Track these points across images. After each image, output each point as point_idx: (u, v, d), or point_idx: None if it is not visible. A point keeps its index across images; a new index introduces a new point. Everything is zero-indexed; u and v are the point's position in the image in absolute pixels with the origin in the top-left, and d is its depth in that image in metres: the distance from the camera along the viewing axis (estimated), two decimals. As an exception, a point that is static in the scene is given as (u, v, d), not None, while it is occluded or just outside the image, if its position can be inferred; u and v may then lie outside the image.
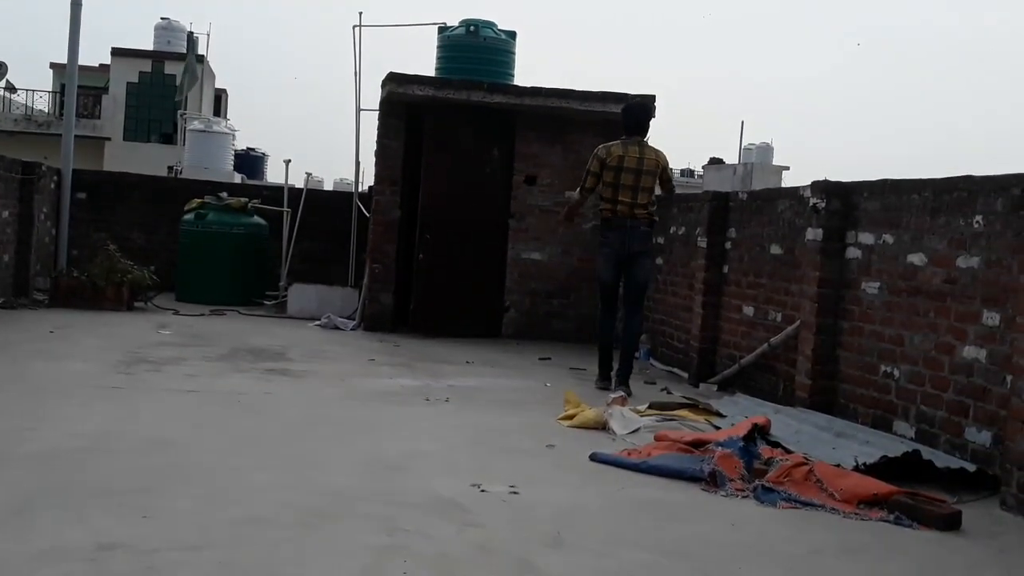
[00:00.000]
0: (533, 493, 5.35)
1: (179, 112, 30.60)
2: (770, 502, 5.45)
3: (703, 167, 43.51)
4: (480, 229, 12.32)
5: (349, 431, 6.66)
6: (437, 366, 9.74)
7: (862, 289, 7.41)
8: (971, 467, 5.92)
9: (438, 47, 12.94)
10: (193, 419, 6.69)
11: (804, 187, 8.23)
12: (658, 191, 9.23)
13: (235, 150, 31.36)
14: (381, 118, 12.41)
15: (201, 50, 34.91)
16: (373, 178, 12.71)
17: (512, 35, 13.05)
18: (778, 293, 8.67)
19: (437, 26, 13.23)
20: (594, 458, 6.23)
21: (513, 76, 12.87)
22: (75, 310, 12.11)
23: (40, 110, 40.34)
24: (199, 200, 14.47)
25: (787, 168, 39.45)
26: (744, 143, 44.97)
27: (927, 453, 6.10)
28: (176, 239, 14.54)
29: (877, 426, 6.99)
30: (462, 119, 12.18)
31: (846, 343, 7.57)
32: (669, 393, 8.78)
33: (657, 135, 9.27)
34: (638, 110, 9.20)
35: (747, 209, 9.47)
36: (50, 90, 41.37)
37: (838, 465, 5.87)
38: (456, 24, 12.98)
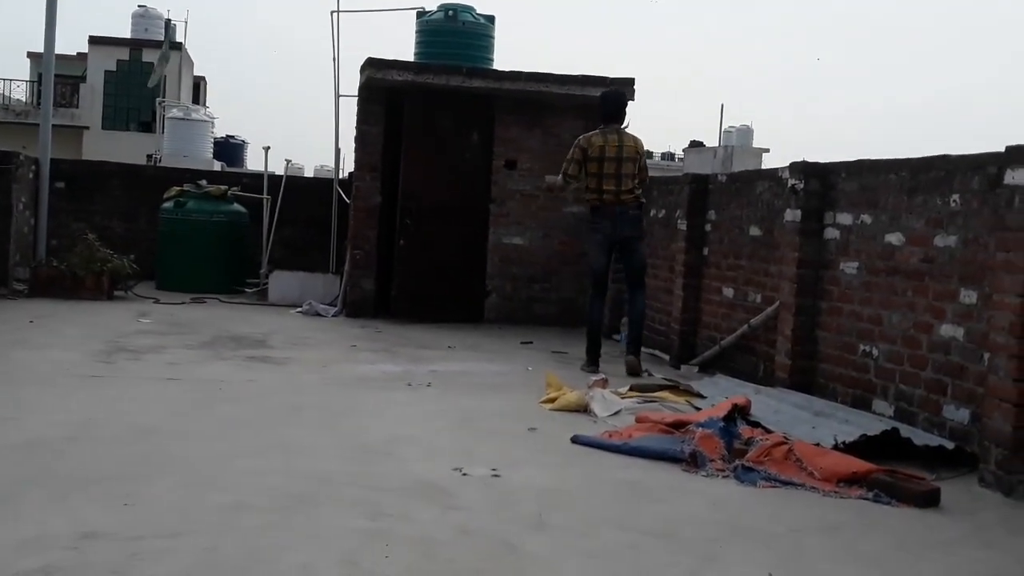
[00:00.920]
0: (515, 476, 5.37)
1: (158, 100, 30.48)
2: (750, 481, 5.48)
3: (683, 150, 43.49)
4: (461, 214, 12.32)
5: (331, 417, 6.67)
6: (419, 351, 9.75)
7: (840, 269, 7.45)
8: (949, 444, 5.97)
9: (417, 32, 12.92)
10: (175, 407, 6.69)
11: (783, 168, 8.26)
12: None
13: (214, 138, 31.27)
14: (360, 104, 12.38)
15: (179, 38, 34.77)
16: (353, 164, 12.68)
17: (491, 19, 13.04)
18: (758, 274, 8.71)
19: (416, 11, 13.21)
20: (576, 440, 6.26)
21: (492, 60, 12.87)
22: (55, 300, 12.05)
23: (18, 100, 40.09)
24: (178, 188, 14.41)
25: (767, 150, 39.43)
26: (724, 126, 44.99)
27: (906, 431, 6.15)
28: (156, 227, 14.48)
29: (856, 405, 7.03)
30: (441, 104, 12.16)
31: (825, 323, 7.62)
32: (650, 375, 8.81)
33: (638, 119, 9.34)
34: (614, 98, 9.35)
35: (727, 191, 9.50)
36: (27, 79, 41.13)
37: (817, 444, 5.91)
38: (435, 9, 12.97)
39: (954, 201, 6.28)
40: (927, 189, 6.56)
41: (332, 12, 13.76)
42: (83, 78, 39.25)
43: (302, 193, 15.25)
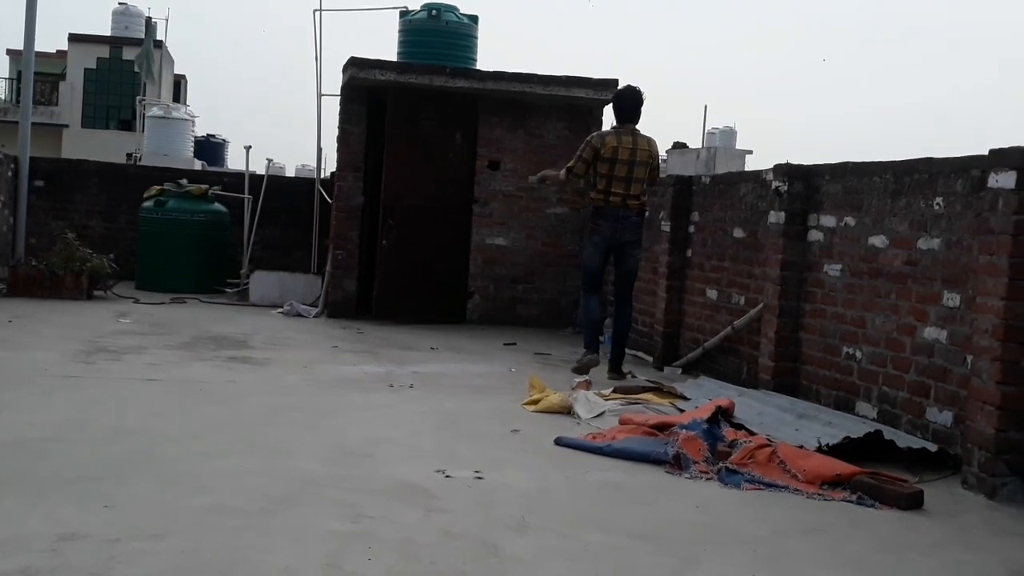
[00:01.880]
0: (498, 478, 5.35)
1: (138, 98, 30.31)
2: (734, 484, 5.47)
3: (667, 151, 43.55)
4: (444, 215, 12.28)
5: (313, 418, 6.63)
6: (401, 352, 9.71)
7: (824, 272, 7.46)
8: (932, 447, 5.97)
9: (400, 31, 12.88)
10: (155, 408, 6.64)
11: (766, 171, 8.26)
12: None
13: (195, 137, 31.09)
14: (343, 103, 12.34)
15: (160, 35, 34.58)
16: (335, 164, 12.64)
17: (474, 19, 13.00)
18: (741, 276, 8.71)
19: (399, 10, 13.18)
20: (559, 442, 6.24)
21: (476, 60, 12.84)
22: (34, 299, 11.96)
23: (-4, 97, 39.84)
24: (159, 187, 14.33)
25: (750, 152, 39.40)
26: (707, 127, 45.08)
27: (889, 433, 6.15)
28: (136, 227, 14.41)
29: (839, 407, 7.04)
30: (424, 104, 12.13)
31: (808, 325, 7.62)
32: (634, 377, 8.79)
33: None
34: (631, 97, 8.93)
35: (710, 193, 9.50)
36: (6, 77, 40.88)
37: (801, 446, 5.91)
38: (418, 8, 12.93)
39: (937, 204, 6.29)
40: (911, 192, 6.56)
41: (315, 11, 13.73)
42: (63, 76, 39.06)
43: (284, 193, 15.19)
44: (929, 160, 6.44)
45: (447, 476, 5.31)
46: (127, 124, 37.90)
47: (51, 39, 62.51)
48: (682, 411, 7.06)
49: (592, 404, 7.27)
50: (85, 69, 38.95)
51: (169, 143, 27.38)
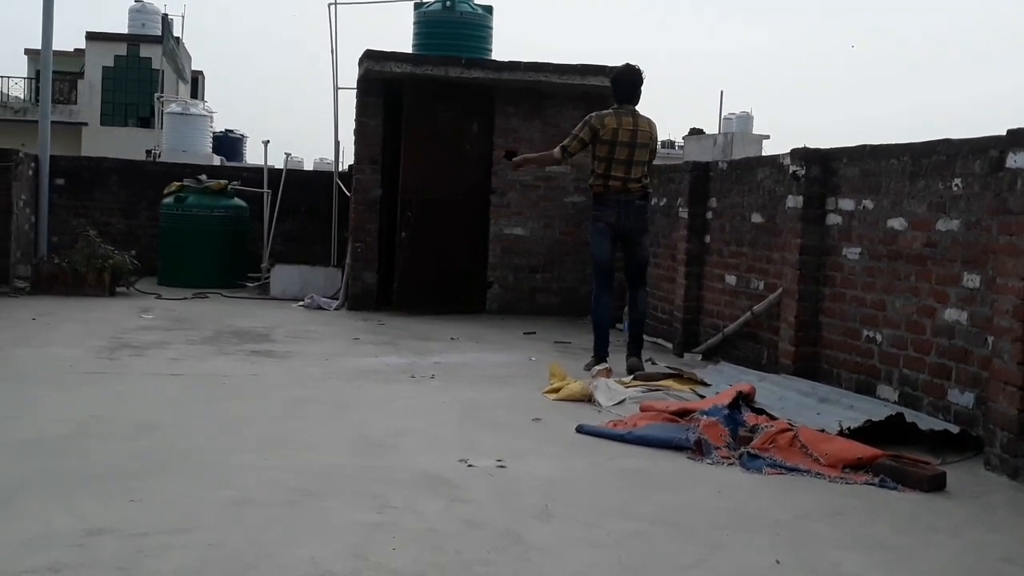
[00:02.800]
0: (520, 467, 5.37)
1: (156, 95, 30.42)
2: (756, 468, 5.48)
3: (683, 138, 43.42)
4: (461, 205, 12.30)
5: (336, 410, 6.66)
6: (422, 343, 9.74)
7: (843, 255, 7.44)
8: (955, 429, 5.97)
9: (415, 23, 12.89)
10: (179, 403, 6.69)
11: (784, 155, 8.24)
12: None
13: (213, 132, 31.22)
14: (359, 96, 12.36)
15: (177, 32, 34.69)
16: (353, 157, 12.66)
17: (489, 9, 12.99)
18: (760, 261, 8.69)
19: (414, 2, 13.17)
20: (580, 430, 6.26)
21: (491, 51, 12.83)
22: (57, 297, 12.05)
23: (16, 97, 40.04)
24: (178, 183, 14.39)
25: (767, 137, 39.35)
26: (724, 113, 44.89)
27: (911, 416, 6.14)
28: (156, 223, 14.48)
29: (860, 391, 7.03)
30: (441, 95, 12.13)
31: (828, 309, 7.61)
32: (654, 364, 8.79)
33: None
34: (630, 76, 8.64)
35: (728, 179, 9.48)
36: (25, 76, 41.05)
37: (822, 430, 5.91)
38: (432, 0, 12.93)
39: (956, 185, 6.27)
40: (929, 173, 6.54)
41: (330, 4, 13.74)
42: (81, 74, 39.20)
43: (302, 186, 15.24)
44: (947, 141, 6.42)
45: (470, 466, 5.34)
46: (146, 121, 38.03)
47: (68, 38, 62.83)
48: (703, 397, 7.06)
49: (613, 392, 7.28)
50: (103, 67, 39.07)
51: (188, 139, 27.51)
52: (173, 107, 29.03)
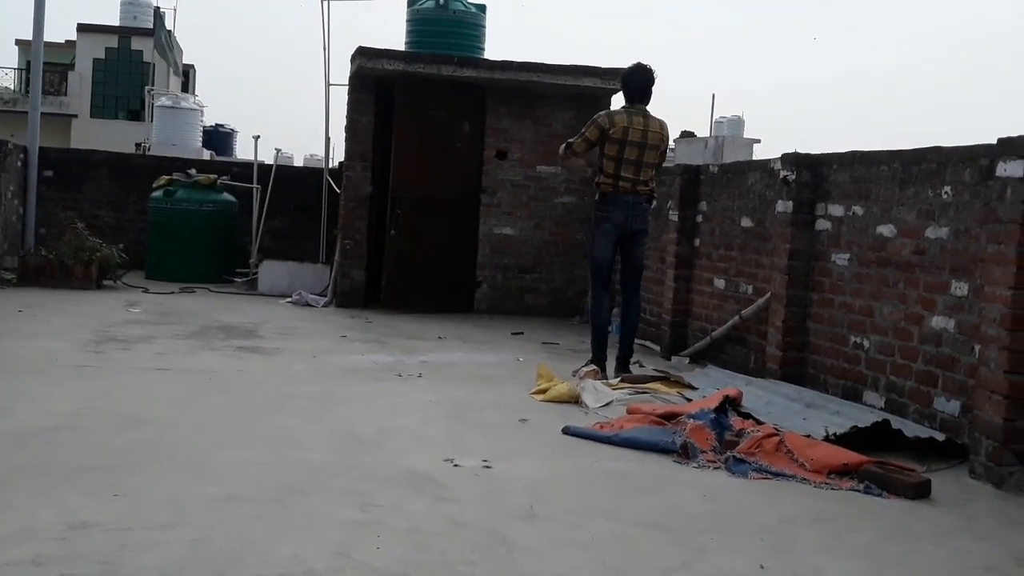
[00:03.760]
0: (506, 467, 5.37)
1: (146, 88, 30.32)
2: (741, 473, 5.48)
3: (675, 140, 43.50)
4: (452, 204, 12.29)
5: (322, 407, 6.65)
6: (410, 342, 9.73)
7: (832, 261, 7.45)
8: (940, 436, 5.98)
9: (407, 21, 12.85)
10: (165, 397, 6.67)
11: (774, 159, 8.25)
12: None
13: (203, 126, 31.09)
14: (351, 93, 12.35)
15: (168, 25, 34.56)
16: (344, 154, 12.65)
17: (482, 8, 12.98)
18: (749, 266, 8.70)
19: None
20: (567, 431, 6.25)
21: (483, 50, 12.82)
22: (44, 289, 12.00)
23: (6, 87, 39.86)
24: (168, 177, 14.37)
25: (758, 141, 39.36)
26: (715, 116, 44.94)
27: (896, 423, 6.16)
28: (145, 216, 14.46)
29: (847, 396, 7.04)
30: (433, 93, 12.12)
31: (816, 315, 7.62)
32: (641, 366, 8.80)
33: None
34: (641, 75, 8.37)
35: (718, 182, 9.49)
36: (15, 67, 40.90)
37: (808, 436, 5.92)
38: (425, -3, 12.90)
39: (946, 193, 6.28)
40: (919, 181, 6.56)
41: (322, 0, 13.70)
42: (72, 66, 39.05)
43: (292, 182, 15.21)
44: (937, 149, 6.43)
45: (455, 465, 5.33)
46: (136, 114, 37.90)
47: (60, 29, 62.69)
48: (690, 400, 7.06)
49: (600, 393, 7.28)
50: (94, 59, 38.93)
51: (178, 133, 27.38)
52: (163, 100, 28.90)
